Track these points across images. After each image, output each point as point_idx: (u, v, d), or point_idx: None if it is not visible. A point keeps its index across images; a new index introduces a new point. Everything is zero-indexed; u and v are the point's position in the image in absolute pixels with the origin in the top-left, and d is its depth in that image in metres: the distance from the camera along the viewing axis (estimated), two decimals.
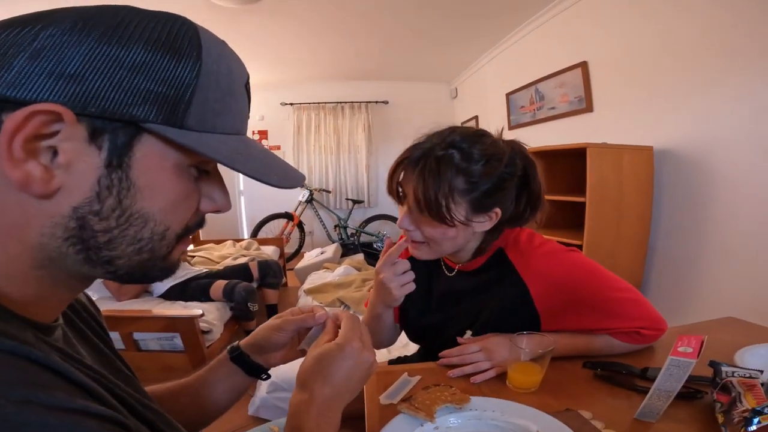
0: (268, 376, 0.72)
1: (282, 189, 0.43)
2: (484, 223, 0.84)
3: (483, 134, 0.84)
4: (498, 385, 0.82)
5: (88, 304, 0.58)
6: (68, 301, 0.42)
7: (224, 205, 0.44)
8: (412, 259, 0.91)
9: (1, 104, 0.30)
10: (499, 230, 0.89)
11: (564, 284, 0.85)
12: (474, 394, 0.73)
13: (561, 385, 0.81)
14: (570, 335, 0.89)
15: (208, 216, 0.45)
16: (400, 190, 0.86)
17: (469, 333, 0.93)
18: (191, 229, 0.42)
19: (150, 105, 0.33)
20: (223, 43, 0.40)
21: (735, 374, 0.68)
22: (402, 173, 0.84)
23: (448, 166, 0.77)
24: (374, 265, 1.09)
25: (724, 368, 0.70)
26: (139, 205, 0.35)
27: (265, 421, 0.88)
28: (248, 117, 0.45)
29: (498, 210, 0.83)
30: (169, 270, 0.42)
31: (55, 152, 0.32)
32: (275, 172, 0.42)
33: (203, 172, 0.41)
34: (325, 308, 0.68)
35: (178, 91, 0.34)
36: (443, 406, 0.68)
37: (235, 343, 0.72)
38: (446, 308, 0.99)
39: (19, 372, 0.28)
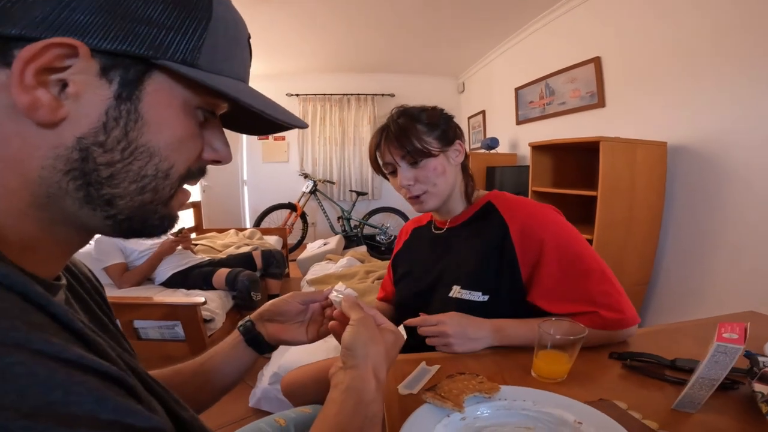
0: (270, 349, 0.74)
1: (285, 128, 0.45)
2: (457, 154, 1.00)
3: (412, 106, 1.01)
4: (522, 374, 0.79)
5: (93, 278, 0.55)
6: (67, 256, 0.40)
7: (225, 155, 0.44)
8: (409, 240, 1.19)
9: (19, 42, 0.29)
10: (467, 173, 1.06)
11: (538, 225, 0.90)
12: (497, 383, 0.69)
13: (589, 375, 0.77)
14: (530, 321, 0.88)
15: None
16: (387, 167, 1.00)
17: (456, 288, 0.95)
18: (193, 174, 0.41)
19: (163, 43, 0.34)
20: None
21: None
22: (378, 153, 1.00)
23: (406, 121, 0.95)
24: (377, 257, 1.23)
25: (761, 358, 0.68)
26: (145, 138, 0.35)
27: (266, 413, 0.85)
28: (249, 71, 0.46)
29: (460, 142, 1.01)
30: (169, 220, 0.41)
31: (65, 85, 0.31)
32: (280, 113, 0.42)
33: (209, 114, 0.41)
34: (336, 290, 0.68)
35: (192, 31, 0.35)
36: (471, 395, 0.64)
37: (248, 322, 0.72)
38: (437, 265, 1.04)
39: (10, 308, 0.25)
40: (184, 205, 0.44)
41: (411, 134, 0.93)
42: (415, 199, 0.99)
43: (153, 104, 0.35)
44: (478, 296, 0.92)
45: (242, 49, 0.42)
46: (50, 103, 0.30)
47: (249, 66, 0.44)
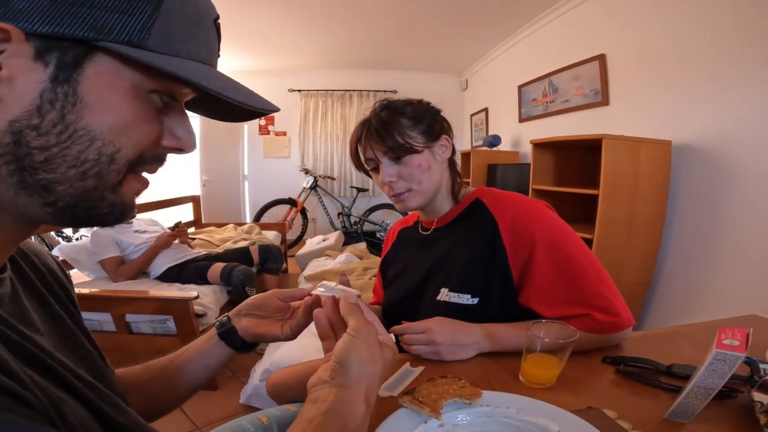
0: (251, 348, 0.71)
1: (257, 113, 0.41)
2: (444, 150, 0.96)
3: (397, 99, 0.96)
4: (509, 379, 0.75)
5: (58, 270, 0.53)
6: (10, 247, 0.39)
7: (188, 143, 0.41)
8: (396, 242, 1.14)
9: None
10: (454, 170, 1.01)
11: (529, 221, 0.86)
12: (483, 388, 0.66)
13: (580, 381, 0.74)
14: (521, 325, 0.83)
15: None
16: (368, 163, 0.95)
17: (444, 290, 0.90)
18: (147, 160, 0.39)
19: (107, 24, 0.32)
20: None
21: None
22: (359, 148, 0.95)
23: (389, 115, 0.90)
24: (376, 254, 1.17)
25: (762, 365, 0.65)
26: (85, 121, 0.33)
27: (256, 409, 0.83)
28: (218, 55, 0.43)
29: (447, 137, 0.96)
30: (121, 209, 0.38)
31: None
32: (244, 95, 0.39)
33: (169, 99, 0.39)
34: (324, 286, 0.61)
35: (141, 11, 0.33)
36: (451, 400, 0.60)
37: (225, 318, 0.69)
38: (424, 268, 0.99)
39: None
40: (140, 194, 0.41)
41: (393, 128, 0.88)
42: (397, 198, 0.94)
43: (94, 87, 0.33)
44: (467, 299, 0.87)
45: (205, 29, 0.39)
46: None
47: (215, 48, 0.42)
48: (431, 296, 0.93)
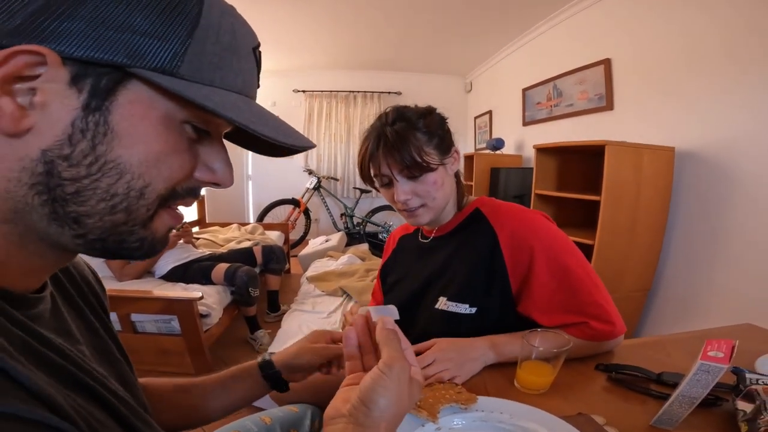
0: (288, 388, 0.74)
1: (282, 148, 0.39)
2: (453, 163, 0.96)
3: (406, 106, 0.95)
4: (505, 385, 0.77)
5: (94, 281, 0.54)
6: (48, 271, 0.39)
7: (224, 178, 0.40)
8: (396, 249, 1.15)
9: None
10: (459, 181, 1.01)
11: (528, 233, 0.87)
12: (479, 393, 0.68)
13: (572, 387, 0.76)
14: (520, 335, 0.85)
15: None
16: (381, 179, 0.92)
17: (443, 300, 0.91)
18: (179, 195, 0.38)
19: (140, 50, 0.31)
20: (232, 7, 0.38)
21: (759, 381, 0.65)
22: (371, 163, 0.90)
23: (405, 129, 0.87)
24: (378, 256, 1.14)
25: (748, 375, 0.67)
26: (115, 153, 0.32)
27: (259, 409, 0.85)
28: (257, 84, 0.42)
29: (457, 148, 0.96)
30: (152, 243, 0.37)
31: (34, 94, 0.30)
32: (276, 130, 0.38)
33: (203, 133, 0.38)
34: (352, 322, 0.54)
35: (174, 37, 0.32)
36: (447, 405, 0.63)
37: (268, 358, 0.72)
38: (423, 276, 1.00)
39: None
40: (172, 229, 0.41)
41: (411, 145, 0.86)
42: (410, 213, 0.93)
43: (126, 116, 0.32)
44: (465, 308, 0.88)
45: (241, 58, 0.37)
46: (12, 113, 0.29)
47: (254, 78, 0.40)
48: (429, 305, 0.94)
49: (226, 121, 0.35)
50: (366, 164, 0.92)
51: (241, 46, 0.37)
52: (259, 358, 0.72)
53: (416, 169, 0.87)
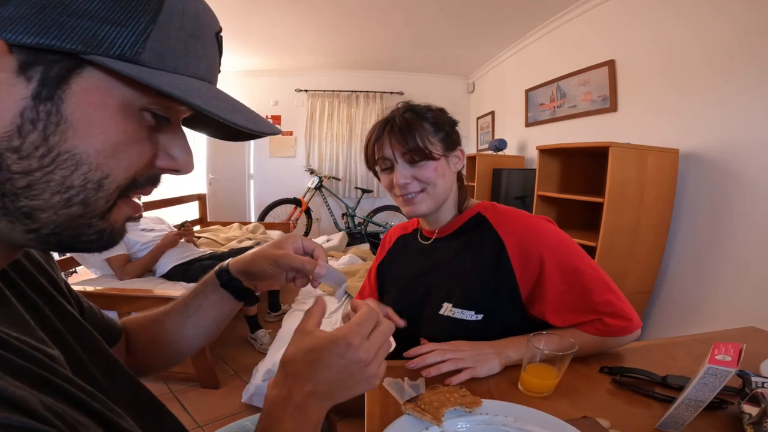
0: (257, 299, 0.69)
1: (248, 133, 0.38)
2: (458, 161, 0.97)
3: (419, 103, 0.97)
4: (508, 387, 0.77)
5: (44, 261, 0.50)
6: None
7: (185, 164, 0.39)
8: (393, 249, 1.12)
9: None
10: (463, 183, 1.02)
11: (535, 241, 0.87)
12: (483, 397, 0.68)
13: (576, 390, 0.75)
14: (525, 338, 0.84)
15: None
16: (382, 162, 0.94)
17: (447, 306, 0.90)
18: (140, 184, 0.36)
19: (97, 36, 0.29)
20: None
21: (765, 385, 0.65)
22: (376, 146, 0.93)
23: (414, 117, 0.90)
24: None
25: (754, 378, 0.67)
26: (70, 143, 0.30)
27: (258, 409, 0.84)
28: (219, 70, 0.41)
29: (462, 149, 0.98)
30: (110, 235, 0.36)
31: None
32: (243, 116, 0.37)
33: (162, 120, 0.37)
34: (331, 267, 0.58)
35: (134, 23, 0.31)
36: (452, 408, 0.62)
37: (224, 265, 0.64)
38: (425, 280, 0.99)
39: None
40: (130, 219, 0.39)
41: (416, 131, 0.88)
42: (408, 200, 0.93)
43: (81, 105, 0.30)
44: (471, 315, 0.87)
45: (205, 44, 0.37)
46: None
47: (216, 64, 0.40)
48: (433, 310, 0.93)
49: (191, 108, 0.34)
50: (371, 147, 0.95)
51: (205, 32, 0.37)
52: (216, 267, 0.65)
53: (418, 154, 0.89)
